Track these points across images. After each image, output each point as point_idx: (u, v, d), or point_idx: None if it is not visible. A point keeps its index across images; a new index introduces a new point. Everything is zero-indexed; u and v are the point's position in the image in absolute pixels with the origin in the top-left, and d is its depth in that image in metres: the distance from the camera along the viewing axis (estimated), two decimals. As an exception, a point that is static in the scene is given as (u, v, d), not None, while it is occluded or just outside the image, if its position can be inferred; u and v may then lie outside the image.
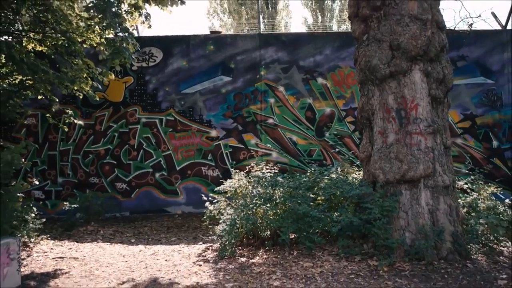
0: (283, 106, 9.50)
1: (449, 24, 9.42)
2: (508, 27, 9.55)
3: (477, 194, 6.46)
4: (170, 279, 5.11)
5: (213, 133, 9.51)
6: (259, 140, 9.45)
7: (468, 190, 6.57)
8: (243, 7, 22.97)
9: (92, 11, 5.35)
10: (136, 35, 9.00)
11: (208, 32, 9.98)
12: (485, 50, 9.44)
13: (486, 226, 5.78)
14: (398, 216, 5.52)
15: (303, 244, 5.75)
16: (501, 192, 9.00)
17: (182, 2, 5.76)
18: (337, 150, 9.38)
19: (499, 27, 9.60)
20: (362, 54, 5.88)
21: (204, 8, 24.46)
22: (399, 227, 5.50)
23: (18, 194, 6.47)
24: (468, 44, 9.43)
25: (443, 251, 5.37)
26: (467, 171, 9.14)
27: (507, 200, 6.44)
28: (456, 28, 9.24)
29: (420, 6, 5.61)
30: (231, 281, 4.94)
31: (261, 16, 22.69)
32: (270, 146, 9.41)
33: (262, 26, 20.85)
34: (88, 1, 6.46)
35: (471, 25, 9.22)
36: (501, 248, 5.91)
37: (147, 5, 6.47)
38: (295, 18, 48.67)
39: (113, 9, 5.37)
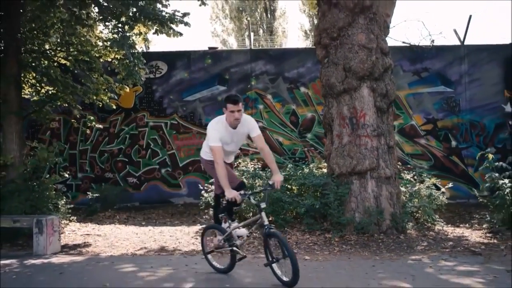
0: (271, 112, 11.28)
1: (415, 40, 11.13)
2: (466, 43, 11.26)
3: (419, 184, 8.18)
4: (173, 248, 6.88)
5: (211, 134, 11.28)
6: (250, 141, 11.21)
7: (413, 181, 8.29)
8: (243, 13, 24.73)
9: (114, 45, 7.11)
10: (145, 50, 10.79)
11: (206, 48, 11.77)
12: (445, 63, 11.16)
13: (420, 208, 7.55)
14: (350, 200, 7.28)
15: (277, 222, 7.52)
16: (457, 186, 10.76)
17: (181, 34, 7.51)
18: (318, 150, 11.13)
19: (459, 42, 11.31)
20: (323, 74, 7.65)
21: (207, 14, 26.07)
22: (350, 209, 7.27)
23: (50, 185, 8.30)
24: (430, 57, 11.15)
25: (383, 227, 7.12)
26: (427, 168, 10.92)
27: (442, 189, 8.17)
28: (420, 44, 11.05)
29: (367, 37, 7.35)
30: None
31: (258, 23, 24.48)
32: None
33: (253, 36, 22.66)
34: (107, 31, 8.25)
35: (432, 41, 11.06)
36: (433, 226, 7.67)
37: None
38: (293, 24, 50.26)
39: (129, 42, 7.15)
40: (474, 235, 7.39)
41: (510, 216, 7.16)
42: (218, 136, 4.76)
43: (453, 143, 11.12)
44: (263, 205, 4.52)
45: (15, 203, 7.39)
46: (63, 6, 7.41)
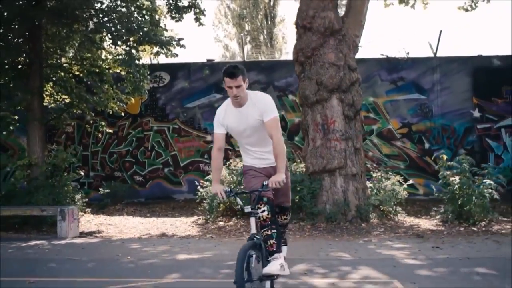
0: (262, 117, 12.77)
1: (392, 53, 12.60)
2: (438, 55, 12.69)
3: (386, 180, 9.62)
4: (172, 233, 8.40)
5: (209, 138, 12.82)
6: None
7: (381, 178, 9.73)
8: (244, 20, 26.26)
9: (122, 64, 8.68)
10: (150, 63, 12.35)
11: (205, 60, 13.29)
12: (419, 73, 12.60)
13: (382, 201, 9.03)
14: (321, 194, 8.76)
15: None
16: (429, 183, 12.18)
17: (177, 55, 9.08)
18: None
19: (432, 54, 12.74)
20: (300, 87, 9.15)
21: (210, 21, 27.58)
22: (322, 201, 8.75)
23: (68, 182, 9.86)
24: (406, 68, 12.59)
25: (349, 216, 8.60)
26: (403, 167, 12.37)
27: (404, 185, 9.62)
28: (397, 56, 12.53)
29: (336, 56, 8.84)
30: (210, 233, 8.22)
31: (259, 30, 25.99)
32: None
33: (250, 46, 24.14)
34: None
35: (407, 53, 12.51)
36: (395, 216, 9.13)
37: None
38: (292, 29, 51.76)
39: (136, 61, 8.71)
40: (428, 224, 8.83)
41: (458, 207, 8.60)
42: (219, 120, 4.09)
43: (426, 145, 12.54)
44: (247, 209, 3.83)
45: (40, 196, 8.95)
46: (80, 32, 8.96)
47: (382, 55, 12.56)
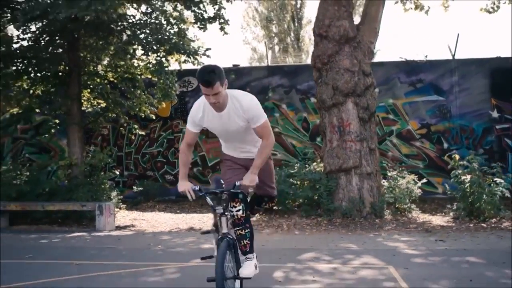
0: (286, 119, 13.49)
1: (410, 56, 13.12)
2: (456, 57, 13.12)
3: (401, 179, 10.19)
4: (200, 227, 9.21)
5: (235, 139, 13.59)
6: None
7: (396, 177, 10.30)
8: (271, 22, 26.99)
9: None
10: (179, 68, 13.21)
11: (231, 65, 14.08)
12: (438, 75, 13.06)
13: (396, 199, 9.61)
14: (338, 192, 9.42)
15: (280, 209, 9.74)
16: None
17: (203, 64, 9.89)
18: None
19: (451, 56, 13.18)
20: (318, 91, 9.83)
21: (238, 23, 28.51)
22: (338, 199, 9.41)
23: (104, 180, 10.81)
24: (424, 70, 13.08)
25: (364, 213, 9.22)
26: (422, 166, 12.87)
27: (419, 184, 10.16)
28: (415, 59, 13.04)
29: (351, 62, 9.48)
30: (234, 228, 8.99)
31: (286, 32, 26.66)
32: (276, 148, 13.41)
33: (278, 48, 24.74)
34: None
35: (426, 56, 13.01)
36: (409, 213, 9.69)
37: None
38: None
39: (165, 69, 9.56)
40: (440, 220, 9.37)
41: (469, 205, 9.11)
42: (194, 120, 3.79)
43: (445, 145, 12.99)
44: (219, 209, 3.68)
45: (80, 193, 9.90)
46: (114, 43, 9.87)
47: (401, 58, 13.08)
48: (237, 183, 3.63)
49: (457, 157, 9.54)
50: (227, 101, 3.64)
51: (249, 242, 3.80)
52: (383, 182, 10.09)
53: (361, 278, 4.86)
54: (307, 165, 10.67)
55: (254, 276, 3.82)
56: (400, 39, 30.50)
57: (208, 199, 3.74)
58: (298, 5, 26.96)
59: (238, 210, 3.74)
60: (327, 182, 9.41)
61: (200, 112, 3.73)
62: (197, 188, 3.72)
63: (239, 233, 3.79)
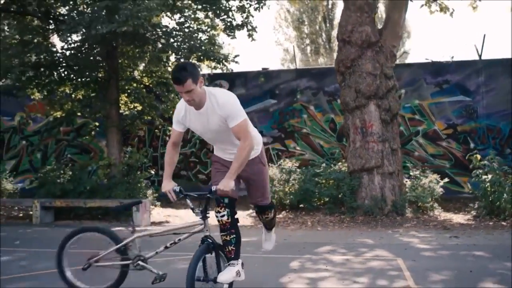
0: (313, 120, 13.99)
1: (437, 57, 13.38)
2: (483, 57, 13.33)
3: (425, 178, 10.55)
4: (228, 224, 9.85)
5: (264, 139, 14.17)
6: (296, 145, 14.01)
7: (421, 177, 10.66)
8: (302, 23, 27.48)
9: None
10: (211, 72, 13.91)
11: (260, 69, 14.68)
12: (464, 75, 13.30)
13: (418, 197, 10.00)
14: (361, 191, 9.88)
15: (306, 207, 10.27)
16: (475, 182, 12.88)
17: (232, 70, 10.54)
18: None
19: (477, 57, 13.39)
20: (341, 94, 10.31)
21: (270, 25, 29.13)
22: (361, 197, 9.87)
23: (141, 179, 11.58)
24: (450, 71, 13.34)
25: (385, 211, 9.66)
26: (449, 166, 13.15)
27: (441, 183, 10.50)
28: (441, 60, 13.34)
29: (373, 66, 9.92)
30: (261, 224, 9.57)
31: (318, 33, 27.07)
32: (304, 149, 13.94)
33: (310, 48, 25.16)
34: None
35: (452, 57, 13.30)
36: (431, 211, 10.06)
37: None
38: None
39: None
40: (461, 218, 9.70)
41: (489, 203, 9.42)
42: (178, 118, 3.79)
43: (472, 145, 13.22)
44: (197, 212, 3.84)
45: (118, 191, 10.70)
46: (149, 52, 10.63)
47: (427, 59, 13.39)
48: (213, 188, 3.58)
49: (478, 157, 9.86)
50: (205, 99, 3.52)
51: (234, 248, 3.73)
52: (406, 181, 10.48)
53: (369, 268, 5.37)
54: (332, 164, 11.16)
55: (236, 281, 3.82)
56: (426, 40, 30.56)
57: (188, 201, 3.77)
58: (330, 6, 27.35)
59: (223, 216, 3.70)
60: (350, 181, 9.89)
61: (182, 111, 3.68)
62: (178, 189, 3.70)
63: (224, 238, 3.76)
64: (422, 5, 12.53)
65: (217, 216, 3.72)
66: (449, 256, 6.00)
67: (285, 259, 5.81)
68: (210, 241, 3.78)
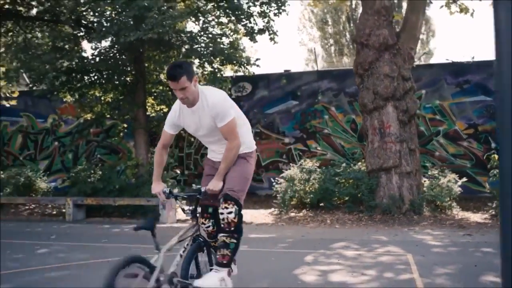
0: (335, 121, 14.33)
1: (457, 58, 13.56)
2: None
3: (443, 178, 10.79)
4: (251, 221, 10.29)
5: (286, 140, 14.61)
6: (318, 145, 14.37)
7: (439, 176, 10.90)
8: (326, 24, 27.76)
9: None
10: (234, 74, 14.39)
11: (282, 71, 15.09)
12: (485, 75, 13.44)
13: (436, 197, 10.25)
14: (379, 190, 10.20)
15: (326, 206, 10.63)
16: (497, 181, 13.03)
17: (254, 73, 10.97)
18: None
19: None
20: (360, 96, 10.64)
21: (295, 25, 29.46)
22: (379, 196, 10.19)
23: (167, 179, 12.13)
24: (471, 71, 13.50)
25: (403, 209, 9.95)
26: (470, 166, 13.33)
27: (459, 182, 10.72)
28: (462, 61, 13.52)
29: (390, 68, 10.22)
30: (283, 222, 10.00)
31: (341, 32, 27.29)
32: (325, 149, 14.28)
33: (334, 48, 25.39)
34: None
35: (473, 57, 13.46)
36: (449, 210, 10.30)
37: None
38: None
39: (219, 79, 10.75)
40: (478, 218, 9.92)
41: (507, 203, 9.62)
42: (172, 120, 3.81)
43: (493, 144, 13.35)
44: (187, 212, 3.73)
45: (145, 190, 11.25)
46: (174, 56, 11.17)
47: (447, 60, 13.56)
48: (203, 189, 3.59)
49: (496, 156, 10.06)
50: (198, 97, 3.58)
51: (229, 255, 3.50)
52: (425, 181, 10.74)
53: (378, 262, 5.74)
54: (352, 164, 11.50)
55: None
56: (451, 39, 30.51)
57: (178, 203, 3.85)
58: (353, 6, 27.52)
59: (230, 213, 3.50)
60: (368, 181, 10.22)
61: (177, 111, 3.73)
62: (167, 191, 3.67)
63: (223, 239, 3.51)
64: (442, 6, 12.75)
65: (222, 213, 3.53)
66: (457, 252, 6.31)
67: (301, 254, 6.22)
68: (202, 239, 3.67)
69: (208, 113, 3.56)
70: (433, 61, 12.19)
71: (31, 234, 8.73)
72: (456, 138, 13.63)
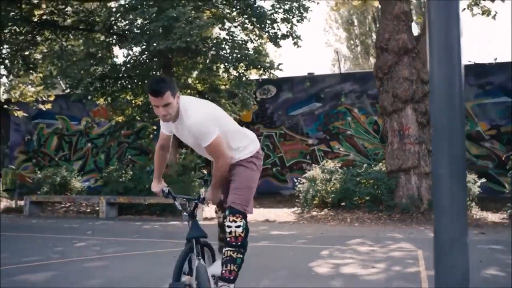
0: (357, 122, 14.73)
1: (479, 59, 13.79)
2: (527, 59, 13.61)
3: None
4: (274, 220, 10.81)
5: (310, 141, 15.07)
6: (341, 146, 14.79)
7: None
8: (352, 25, 28.05)
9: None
10: (259, 78, 14.93)
11: (306, 74, 15.56)
12: (507, 77, 13.63)
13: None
14: (398, 190, 10.58)
15: (347, 205, 11.07)
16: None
17: (277, 77, 11.48)
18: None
19: (522, 58, 13.69)
20: (380, 99, 11.04)
21: (321, 26, 29.85)
22: (398, 196, 10.57)
23: (194, 179, 12.76)
24: (493, 73, 13.71)
25: (422, 209, 10.31)
26: (492, 167, 13.55)
27: (478, 183, 11.01)
28: (484, 62, 13.76)
29: (409, 72, 10.59)
30: (304, 221, 10.49)
31: (367, 33, 27.50)
32: (348, 150, 14.69)
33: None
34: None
35: (495, 59, 13.69)
36: (469, 210, 10.59)
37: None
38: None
39: (244, 83, 11.30)
40: (496, 217, 10.21)
41: (524, 202, 9.91)
42: (165, 123, 3.60)
43: (515, 145, 13.56)
44: (185, 216, 3.62)
45: (174, 190, 11.87)
46: (201, 63, 11.80)
47: (469, 61, 13.82)
48: (201, 195, 3.58)
49: (515, 157, 10.34)
50: (178, 113, 3.38)
51: (236, 270, 3.37)
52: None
53: (389, 257, 6.18)
54: (372, 165, 11.90)
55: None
56: (469, 41, 30.45)
57: (176, 204, 3.71)
58: (379, 6, 27.67)
59: (238, 227, 3.38)
60: (388, 181, 10.62)
61: None
62: (167, 191, 3.71)
63: (230, 254, 3.37)
64: (464, 9, 13.00)
65: (230, 226, 3.38)
66: (467, 248, 6.68)
67: (317, 249, 6.71)
68: (195, 241, 3.53)
69: (191, 133, 3.39)
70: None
71: (69, 229, 9.45)
72: (478, 139, 13.86)
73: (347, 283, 4.89)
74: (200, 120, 3.34)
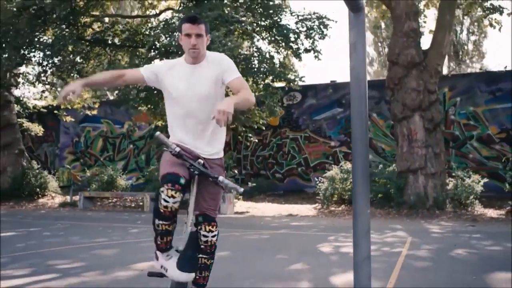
0: (376, 126, 16.24)
1: (490, 66, 15.11)
2: (535, 67, 14.85)
3: (468, 178, 12.51)
4: (296, 214, 12.48)
5: (332, 143, 16.67)
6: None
7: (464, 177, 12.63)
8: (379, 29, 29.33)
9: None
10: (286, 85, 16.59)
11: (329, 81, 17.15)
12: (517, 84, 14.92)
13: (458, 195, 12.02)
14: (406, 188, 12.11)
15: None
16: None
17: (300, 87, 13.13)
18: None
19: (531, 67, 14.94)
20: (391, 107, 12.58)
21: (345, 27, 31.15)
22: (407, 194, 12.09)
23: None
24: (504, 80, 15.00)
25: (428, 206, 11.81)
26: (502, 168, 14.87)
27: (481, 182, 12.40)
28: (494, 70, 15.09)
29: (417, 83, 12.08)
30: (323, 215, 12.14)
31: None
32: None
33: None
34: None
35: (505, 67, 15.02)
36: (471, 207, 12.02)
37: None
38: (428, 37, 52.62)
39: (270, 94, 13.03)
40: (494, 214, 11.60)
41: (521, 200, 11.31)
42: (157, 67, 3.40)
43: (524, 148, 14.83)
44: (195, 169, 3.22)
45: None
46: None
47: (481, 69, 15.17)
48: (220, 178, 3.23)
49: (514, 159, 11.72)
50: (204, 57, 3.31)
51: (208, 275, 3.45)
52: (451, 181, 12.49)
53: (383, 241, 7.77)
54: (388, 166, 13.44)
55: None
56: (498, 41, 31.30)
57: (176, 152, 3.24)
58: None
59: (214, 236, 3.33)
60: (397, 181, 12.16)
61: (172, 66, 3.36)
62: (177, 150, 3.27)
63: (204, 262, 3.39)
64: (475, 21, 14.39)
65: (206, 236, 3.32)
66: (450, 236, 8.22)
67: (326, 235, 8.36)
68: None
69: (215, 67, 3.24)
70: (486, 62, 13.76)
71: (120, 220, 11.37)
72: (489, 142, 15.19)
73: (340, 258, 6.55)
74: (227, 58, 3.36)
